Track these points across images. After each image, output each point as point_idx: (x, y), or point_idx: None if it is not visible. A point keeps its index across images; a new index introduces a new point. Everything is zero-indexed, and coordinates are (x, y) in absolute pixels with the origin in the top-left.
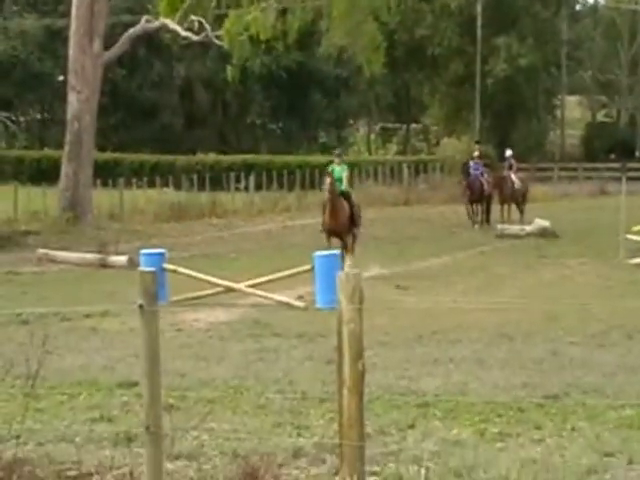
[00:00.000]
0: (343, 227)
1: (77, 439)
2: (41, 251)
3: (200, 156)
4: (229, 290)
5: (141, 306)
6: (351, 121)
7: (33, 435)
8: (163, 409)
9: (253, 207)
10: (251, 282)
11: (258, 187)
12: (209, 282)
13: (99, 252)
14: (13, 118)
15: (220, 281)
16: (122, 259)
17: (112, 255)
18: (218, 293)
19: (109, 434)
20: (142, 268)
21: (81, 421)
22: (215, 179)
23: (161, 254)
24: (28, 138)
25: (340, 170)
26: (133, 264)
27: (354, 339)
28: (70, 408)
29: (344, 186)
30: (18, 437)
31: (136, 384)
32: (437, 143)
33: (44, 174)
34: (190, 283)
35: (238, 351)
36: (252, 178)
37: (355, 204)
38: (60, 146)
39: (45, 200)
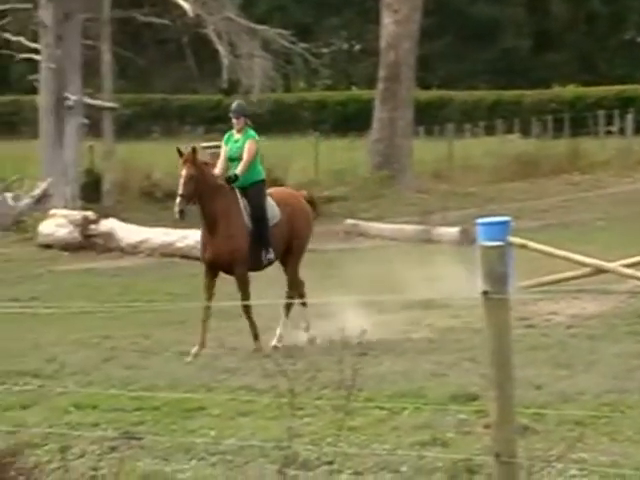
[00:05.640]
0: (229, 257)
1: (403, 468)
2: (349, 222)
3: (556, 90)
4: (598, 272)
5: (485, 293)
6: None
7: (348, 461)
8: (515, 432)
9: (631, 157)
10: (630, 260)
11: (639, 130)
12: (570, 261)
13: (422, 222)
14: (314, 50)
15: (586, 259)
16: (452, 231)
17: (439, 226)
18: (583, 276)
19: (444, 462)
20: (482, 242)
21: (407, 445)
22: (577, 120)
23: (505, 224)
24: (332, 75)
25: (240, 140)
26: (467, 237)
27: None
28: (392, 427)
29: (239, 170)
30: (331, 463)
31: (475, 398)
32: None
33: (351, 121)
34: (544, 262)
35: (614, 354)
36: (630, 117)
37: (284, 197)
38: (371, 84)
39: (353, 155)
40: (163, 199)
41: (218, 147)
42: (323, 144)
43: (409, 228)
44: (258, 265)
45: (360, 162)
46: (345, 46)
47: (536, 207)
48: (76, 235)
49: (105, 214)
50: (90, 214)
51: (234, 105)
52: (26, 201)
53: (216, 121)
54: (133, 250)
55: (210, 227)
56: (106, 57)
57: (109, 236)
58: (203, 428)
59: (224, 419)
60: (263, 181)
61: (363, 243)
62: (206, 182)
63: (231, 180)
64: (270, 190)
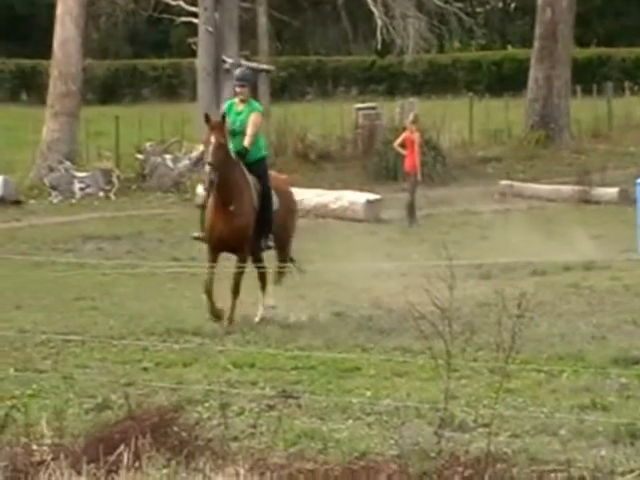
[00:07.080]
0: (239, 234)
1: (562, 431)
2: (504, 183)
3: None
4: None
5: None
6: None
7: (505, 424)
8: None
9: None
10: None
11: None
12: None
13: (580, 183)
14: (468, 9)
15: None
16: (611, 191)
17: (597, 186)
18: None
19: (604, 427)
20: None
21: (566, 408)
22: None
23: None
24: (487, 34)
25: (244, 112)
26: (627, 198)
27: None
28: (551, 390)
29: (247, 142)
30: (487, 425)
31: (637, 361)
32: None
33: (506, 81)
34: None
35: None
36: None
37: (277, 184)
38: (527, 43)
39: (508, 116)
40: (317, 161)
41: (372, 108)
42: (478, 104)
43: (566, 189)
44: (255, 250)
45: (515, 122)
46: (500, 5)
47: None
48: None
49: None
50: None
51: (239, 72)
52: (184, 163)
53: (370, 82)
54: None
55: (223, 200)
56: (262, 20)
57: None
58: (359, 388)
59: (380, 379)
60: (266, 157)
61: (518, 204)
62: (229, 153)
63: (242, 154)
64: None
